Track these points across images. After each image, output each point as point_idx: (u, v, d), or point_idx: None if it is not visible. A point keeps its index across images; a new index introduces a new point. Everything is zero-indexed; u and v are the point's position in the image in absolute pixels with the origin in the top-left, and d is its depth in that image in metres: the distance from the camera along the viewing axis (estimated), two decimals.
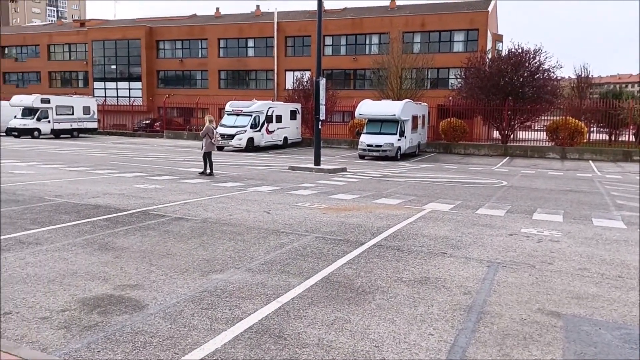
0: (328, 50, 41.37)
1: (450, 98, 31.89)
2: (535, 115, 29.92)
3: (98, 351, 3.56)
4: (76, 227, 7.32)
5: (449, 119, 30.27)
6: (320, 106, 17.02)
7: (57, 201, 9.31)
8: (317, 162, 17.27)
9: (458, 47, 38.26)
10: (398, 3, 45.27)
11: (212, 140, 14.84)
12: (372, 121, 24.28)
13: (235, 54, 45.85)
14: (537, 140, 30.58)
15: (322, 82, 17.03)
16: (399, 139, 23.28)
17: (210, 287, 5.01)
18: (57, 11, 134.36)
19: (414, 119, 25.33)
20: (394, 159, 23.02)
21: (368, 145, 23.40)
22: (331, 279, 5.39)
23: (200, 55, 47.04)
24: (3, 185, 11.02)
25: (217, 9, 52.06)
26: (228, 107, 28.40)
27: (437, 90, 36.44)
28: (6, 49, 56.96)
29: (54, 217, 7.92)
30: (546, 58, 28.69)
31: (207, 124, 15.03)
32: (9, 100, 35.60)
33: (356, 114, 25.37)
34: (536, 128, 32.48)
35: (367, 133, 23.92)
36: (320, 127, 17.55)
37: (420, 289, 5.18)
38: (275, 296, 4.82)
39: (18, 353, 3.26)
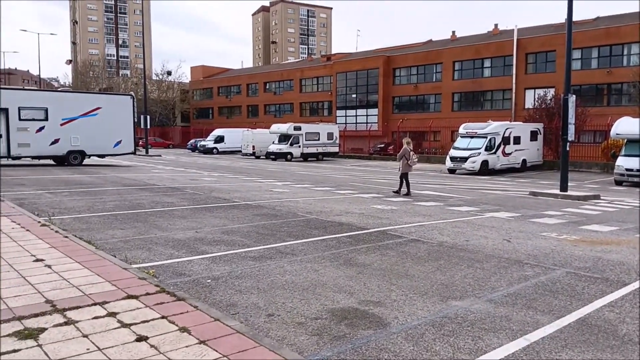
0: (576, 65, 37.51)
1: None
2: None
3: None
4: (324, 241, 8.00)
5: None
6: (569, 125, 15.43)
7: (307, 217, 10.35)
8: (564, 187, 15.63)
9: None
10: None
11: (409, 162, 15.12)
12: (632, 142, 21.03)
13: (470, 75, 45.06)
14: None
15: (572, 99, 15.44)
16: None
17: (450, 314, 4.89)
18: (308, 48, 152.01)
19: None
20: None
21: (627, 170, 20.30)
22: (588, 322, 4.74)
23: (434, 80, 47.57)
24: (267, 202, 12.76)
25: (453, 32, 52.10)
26: (462, 130, 27.93)
27: None
28: (267, 84, 66.47)
29: (305, 231, 8.81)
30: None
31: (404, 146, 15.37)
32: (268, 128, 41.40)
33: (612, 133, 22.32)
34: None
35: (626, 155, 20.80)
36: (567, 148, 15.90)
37: None
38: (522, 333, 4.45)
39: (281, 353, 3.65)
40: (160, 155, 39.78)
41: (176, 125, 74.37)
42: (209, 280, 5.76)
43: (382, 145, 45.49)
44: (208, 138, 50.31)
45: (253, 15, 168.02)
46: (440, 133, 43.79)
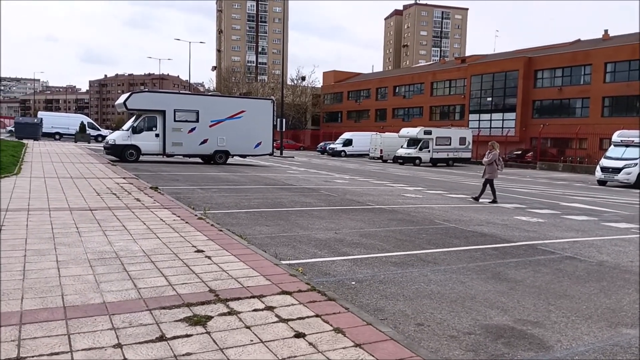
0: None
1: None
2: None
3: None
4: (467, 252, 7.67)
5: None
6: None
7: (445, 225, 10.03)
8: None
9: None
10: None
11: (499, 168, 14.55)
12: None
13: (624, 78, 40.70)
14: None
15: None
16: None
17: (622, 342, 4.38)
18: (440, 51, 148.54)
19: None
20: None
21: None
22: None
23: (582, 82, 43.71)
24: (401, 206, 12.63)
25: (606, 31, 47.51)
26: (616, 137, 25.30)
27: None
28: (397, 88, 66.09)
29: (445, 240, 8.53)
30: None
31: (495, 150, 14.59)
32: (396, 132, 41.13)
33: None
34: None
35: None
36: None
37: None
38: None
39: None
40: (293, 157, 41.45)
41: (307, 128, 77.09)
42: (354, 283, 5.79)
43: (519, 152, 42.86)
44: (337, 141, 51.37)
45: (385, 19, 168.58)
46: (587, 140, 40.13)
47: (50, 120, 49.81)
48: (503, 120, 48.78)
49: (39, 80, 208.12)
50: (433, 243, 8.19)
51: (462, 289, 5.75)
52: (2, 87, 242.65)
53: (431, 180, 22.72)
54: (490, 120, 50.08)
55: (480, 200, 14.40)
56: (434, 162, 37.69)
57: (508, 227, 10.19)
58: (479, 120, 50.86)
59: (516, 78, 47.67)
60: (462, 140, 38.77)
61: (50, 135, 47.74)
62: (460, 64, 60.44)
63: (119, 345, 3.49)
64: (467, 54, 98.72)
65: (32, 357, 3.25)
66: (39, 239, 6.50)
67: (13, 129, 46.12)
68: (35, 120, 44.16)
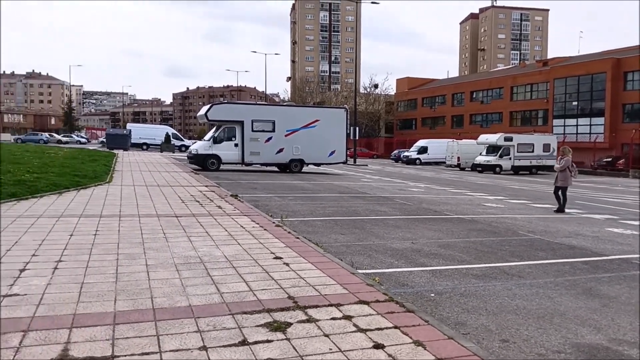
0: None
1: None
2: None
3: None
4: (554, 265, 7.25)
5: None
6: None
7: (530, 237, 9.55)
8: None
9: None
10: None
11: (572, 174, 13.60)
12: None
13: None
14: None
15: None
16: None
17: None
18: (520, 54, 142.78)
19: None
20: None
21: None
22: None
23: None
24: (481, 216, 12.21)
25: None
26: None
27: None
28: (474, 93, 64.21)
29: (530, 252, 8.12)
30: None
31: (567, 156, 13.64)
32: (474, 138, 39.89)
33: None
34: None
35: None
36: None
37: None
38: None
39: None
40: (366, 165, 41.34)
41: (380, 136, 76.67)
42: (433, 295, 5.65)
43: (609, 159, 40.16)
44: (411, 149, 50.61)
45: (461, 23, 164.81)
46: None
47: (138, 131, 53.02)
48: (590, 125, 45.96)
49: (127, 93, 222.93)
50: (517, 255, 7.83)
51: (550, 304, 5.43)
52: (94, 101, 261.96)
53: (513, 189, 21.80)
54: (577, 125, 47.37)
55: (566, 210, 13.61)
56: (516, 170, 36.15)
57: (599, 239, 9.54)
58: (564, 126, 48.25)
59: (604, 80, 44.81)
60: (546, 147, 36.90)
61: (138, 146, 50.78)
62: (542, 67, 57.75)
63: (204, 348, 3.62)
64: (549, 56, 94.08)
65: (125, 356, 3.43)
66: (130, 243, 6.90)
67: (104, 139, 49.57)
68: (125, 131, 47.22)
